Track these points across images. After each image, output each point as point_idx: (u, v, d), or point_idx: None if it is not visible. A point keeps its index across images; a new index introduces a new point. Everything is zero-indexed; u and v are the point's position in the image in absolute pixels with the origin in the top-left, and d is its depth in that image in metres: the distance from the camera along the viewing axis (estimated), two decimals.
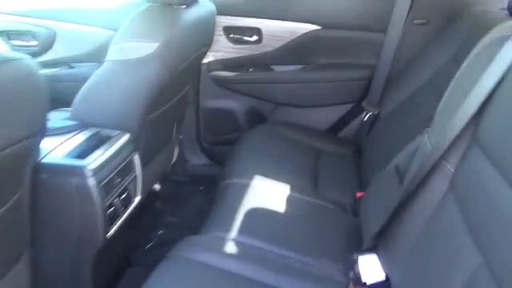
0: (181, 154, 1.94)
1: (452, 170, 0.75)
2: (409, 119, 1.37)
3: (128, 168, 1.21)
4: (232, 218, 1.13)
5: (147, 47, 1.15)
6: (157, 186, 1.86)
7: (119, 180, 1.15)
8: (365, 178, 1.44)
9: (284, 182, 1.33)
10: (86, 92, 1.19)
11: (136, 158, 1.24)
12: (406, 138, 1.33)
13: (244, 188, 1.26)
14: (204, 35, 1.49)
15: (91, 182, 1.02)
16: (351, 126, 1.79)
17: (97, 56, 1.74)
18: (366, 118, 1.68)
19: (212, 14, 1.52)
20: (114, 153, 1.12)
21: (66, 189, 1.01)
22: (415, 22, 1.59)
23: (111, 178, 1.10)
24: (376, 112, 1.65)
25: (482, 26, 1.32)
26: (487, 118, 0.70)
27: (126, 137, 1.18)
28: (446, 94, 0.80)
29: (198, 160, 1.99)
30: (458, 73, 0.79)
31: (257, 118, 1.89)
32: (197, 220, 1.77)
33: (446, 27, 1.51)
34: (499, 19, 1.30)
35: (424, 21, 1.59)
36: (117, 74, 1.18)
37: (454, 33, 1.44)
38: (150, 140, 1.38)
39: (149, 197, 1.51)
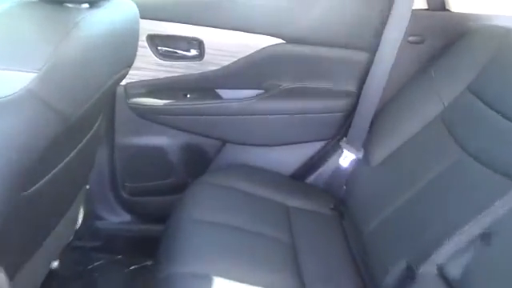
0: (88, 210, 1.40)
1: None
2: (421, 176, 1.00)
3: None
4: None
5: (15, 80, 0.62)
6: (53, 264, 1.31)
7: None
8: (362, 259, 1.06)
9: (256, 282, 0.88)
10: None
11: (1, 277, 0.70)
12: (424, 209, 0.95)
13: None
14: (122, 52, 0.97)
15: None
16: (323, 171, 1.40)
17: None
18: (346, 163, 1.29)
19: (135, 19, 1.01)
20: None
21: None
22: (410, 39, 1.24)
23: None
24: (360, 155, 1.26)
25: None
26: None
27: None
28: None
29: (113, 217, 1.49)
30: None
31: (198, 159, 1.44)
32: None
33: (450, 48, 1.19)
34: None
35: (420, 38, 1.25)
36: None
37: (466, 56, 1.13)
38: (32, 223, 0.84)
39: None
